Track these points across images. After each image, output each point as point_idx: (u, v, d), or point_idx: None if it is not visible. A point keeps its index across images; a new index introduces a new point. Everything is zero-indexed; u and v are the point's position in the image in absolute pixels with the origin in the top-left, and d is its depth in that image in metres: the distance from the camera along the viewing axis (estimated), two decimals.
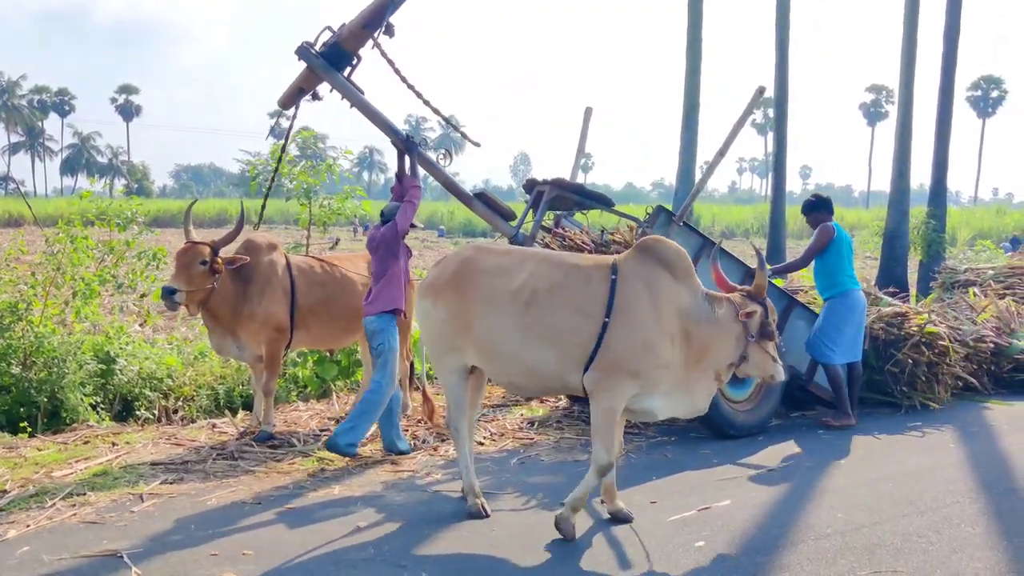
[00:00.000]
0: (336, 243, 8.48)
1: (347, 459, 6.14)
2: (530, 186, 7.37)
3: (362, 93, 6.58)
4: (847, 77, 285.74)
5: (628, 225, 7.49)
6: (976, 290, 10.92)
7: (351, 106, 6.63)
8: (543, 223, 7.44)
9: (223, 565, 4.28)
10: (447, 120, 7.35)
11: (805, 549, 4.57)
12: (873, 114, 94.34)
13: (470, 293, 4.89)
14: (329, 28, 6.44)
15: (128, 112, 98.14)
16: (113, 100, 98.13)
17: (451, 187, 6.98)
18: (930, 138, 17.23)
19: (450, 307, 4.94)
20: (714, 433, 6.84)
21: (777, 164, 19.34)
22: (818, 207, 7.66)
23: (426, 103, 6.83)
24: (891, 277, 16.18)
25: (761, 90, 7.85)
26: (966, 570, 4.33)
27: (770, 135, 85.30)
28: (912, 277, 17.32)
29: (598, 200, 7.26)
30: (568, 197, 7.13)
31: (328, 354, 8.22)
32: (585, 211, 7.58)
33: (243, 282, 6.64)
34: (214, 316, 6.66)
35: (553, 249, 7.34)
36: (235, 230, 6.63)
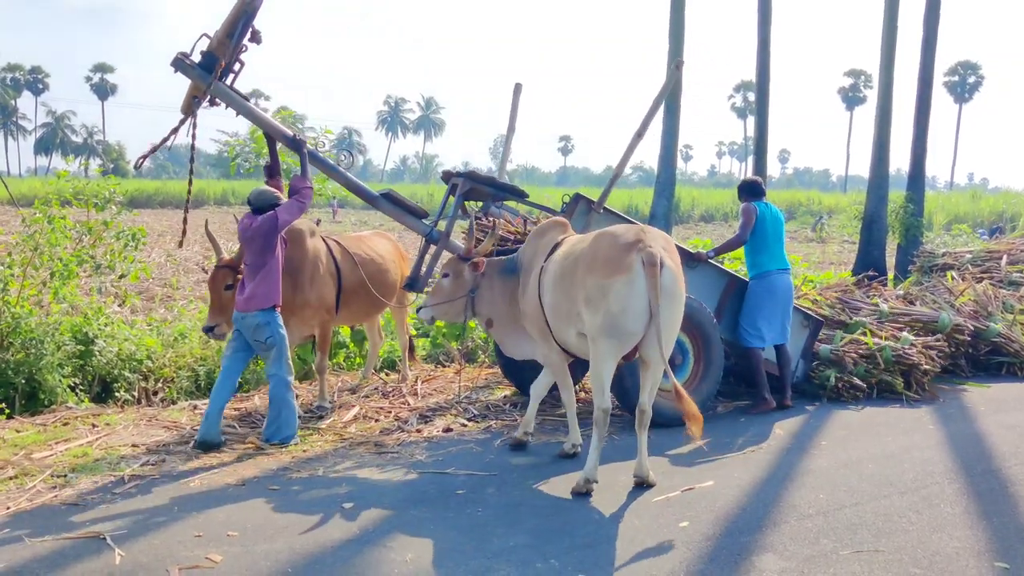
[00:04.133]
0: (317, 224, 8.36)
1: (329, 442, 6.16)
2: (447, 178, 7.36)
3: (247, 100, 6.54)
4: (826, 62, 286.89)
5: (546, 216, 7.45)
6: (954, 274, 11.02)
7: (237, 114, 6.59)
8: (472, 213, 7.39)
9: (208, 547, 4.26)
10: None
11: (788, 529, 4.61)
12: (851, 99, 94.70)
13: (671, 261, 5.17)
14: (206, 35, 6.34)
15: (103, 91, 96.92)
16: (88, 79, 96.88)
17: (354, 188, 6.98)
18: (908, 123, 17.31)
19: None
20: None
21: (758, 148, 19.36)
22: (747, 190, 7.67)
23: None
24: (870, 261, 16.28)
25: (679, 64, 7.80)
26: (946, 548, 4.38)
27: (750, 119, 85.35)
28: (890, 261, 17.45)
29: (511, 192, 7.22)
30: (482, 189, 7.11)
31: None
32: (500, 202, 7.48)
33: (292, 272, 6.65)
34: None
35: (480, 239, 7.33)
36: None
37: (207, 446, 5.93)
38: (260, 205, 6.12)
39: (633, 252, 4.99)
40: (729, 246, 7.61)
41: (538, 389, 6.17)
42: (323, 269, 6.90)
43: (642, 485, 5.25)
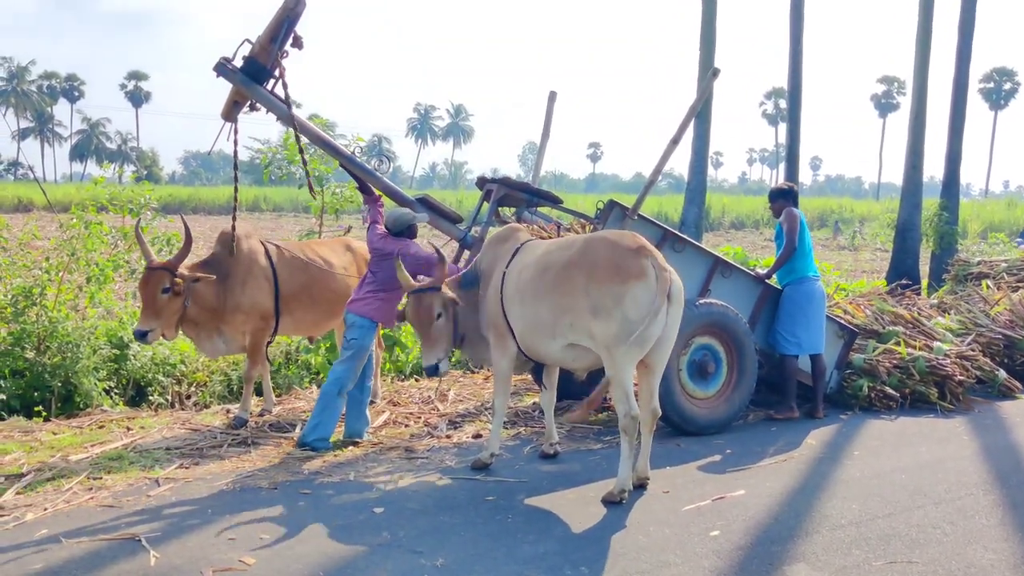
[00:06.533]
0: (348, 230, 8.46)
1: (360, 447, 6.20)
2: (482, 184, 7.36)
3: (289, 106, 6.56)
4: (858, 68, 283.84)
5: (580, 222, 7.44)
6: (989, 283, 10.87)
7: (277, 119, 6.65)
8: (507, 219, 7.40)
9: (240, 549, 4.30)
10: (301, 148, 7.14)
11: (820, 539, 4.57)
12: (884, 105, 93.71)
13: None
14: (248, 40, 6.38)
15: (137, 98, 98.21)
16: (123, 86, 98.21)
17: (391, 193, 7.00)
18: (942, 130, 17.09)
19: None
20: (674, 429, 6.70)
21: (790, 155, 19.20)
22: (787, 195, 7.62)
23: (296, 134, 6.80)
24: (903, 269, 16.09)
25: (715, 73, 7.73)
26: (981, 561, 4.32)
27: (781, 126, 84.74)
28: (924, 269, 17.25)
29: (546, 198, 7.22)
30: (517, 195, 7.09)
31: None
32: (534, 208, 7.47)
33: (222, 277, 6.51)
34: (195, 325, 6.54)
35: None
36: (185, 244, 6.38)
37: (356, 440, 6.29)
38: (399, 229, 6.27)
39: (643, 258, 5.00)
40: (785, 256, 7.37)
41: (545, 400, 6.12)
42: (258, 273, 6.65)
43: (643, 486, 5.33)
